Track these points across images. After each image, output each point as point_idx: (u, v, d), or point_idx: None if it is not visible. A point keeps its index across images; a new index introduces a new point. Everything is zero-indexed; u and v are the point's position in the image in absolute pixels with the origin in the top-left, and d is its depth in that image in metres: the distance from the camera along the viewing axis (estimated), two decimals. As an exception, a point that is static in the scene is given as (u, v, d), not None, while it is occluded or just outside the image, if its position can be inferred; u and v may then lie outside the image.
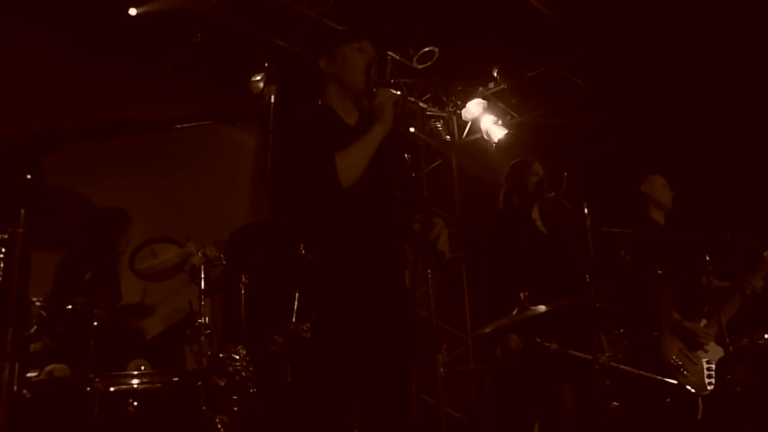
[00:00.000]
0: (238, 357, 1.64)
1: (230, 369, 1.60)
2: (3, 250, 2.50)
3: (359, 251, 2.04)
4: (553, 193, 3.28)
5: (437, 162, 6.44)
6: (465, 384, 5.81)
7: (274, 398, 1.72)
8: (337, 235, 2.02)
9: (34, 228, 1.11)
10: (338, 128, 2.22)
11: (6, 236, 2.51)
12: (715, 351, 3.61)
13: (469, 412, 5.53)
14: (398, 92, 2.29)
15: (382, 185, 2.15)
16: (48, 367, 2.33)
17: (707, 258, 3.32)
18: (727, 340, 3.30)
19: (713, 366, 3.61)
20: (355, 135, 2.21)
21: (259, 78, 4.84)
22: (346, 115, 2.30)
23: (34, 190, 1.06)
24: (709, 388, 3.56)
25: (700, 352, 3.62)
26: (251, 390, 1.86)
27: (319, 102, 2.36)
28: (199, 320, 3.13)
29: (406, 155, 2.34)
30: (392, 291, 2.10)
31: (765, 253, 3.71)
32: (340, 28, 5.02)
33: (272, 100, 1.92)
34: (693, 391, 3.52)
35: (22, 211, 1.05)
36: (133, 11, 4.25)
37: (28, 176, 1.06)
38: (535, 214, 3.65)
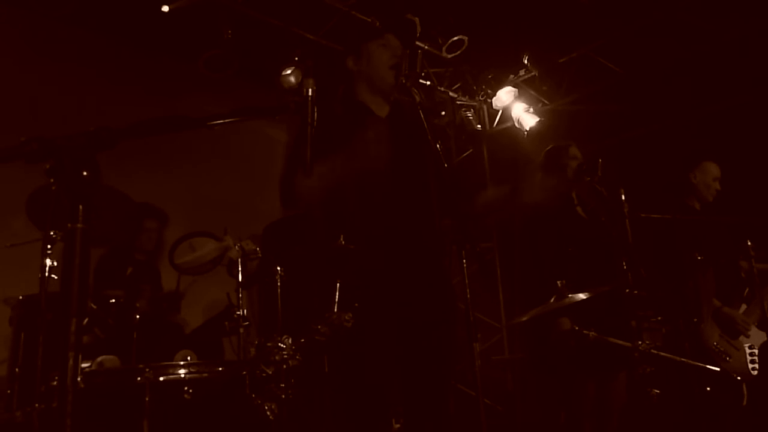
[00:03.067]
0: (284, 346, 1.67)
1: (277, 358, 1.64)
2: (49, 246, 2.58)
3: (395, 241, 2.06)
4: (589, 179, 3.23)
5: (469, 151, 6.41)
6: (500, 374, 5.80)
7: (314, 388, 1.75)
8: (373, 226, 2.04)
9: (91, 223, 1.15)
10: (370, 121, 2.25)
11: (54, 234, 2.57)
12: (758, 336, 3.55)
13: (504, 402, 5.52)
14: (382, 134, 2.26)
15: (417, 175, 2.17)
16: (99, 358, 2.41)
17: (749, 243, 3.26)
18: (769, 327, 3.24)
19: (756, 351, 3.54)
20: (387, 127, 2.23)
21: (289, 72, 4.87)
22: (377, 108, 2.33)
23: (91, 186, 1.10)
24: (753, 373, 3.50)
25: (742, 338, 3.56)
26: (292, 380, 1.90)
27: (354, 98, 2.38)
28: (238, 312, 3.19)
29: (438, 145, 2.34)
30: (431, 280, 2.11)
31: None
32: (369, 20, 5.03)
33: (310, 94, 1.95)
34: (737, 377, 3.46)
35: (81, 207, 1.09)
36: (165, 8, 4.32)
37: (85, 173, 1.10)
38: (575, 199, 3.60)
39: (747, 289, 3.63)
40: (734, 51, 4.96)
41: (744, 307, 3.62)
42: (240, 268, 3.37)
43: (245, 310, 3.27)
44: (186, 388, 1.82)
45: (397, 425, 2.10)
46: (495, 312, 6.10)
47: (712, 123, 5.23)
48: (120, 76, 4.83)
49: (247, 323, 3.21)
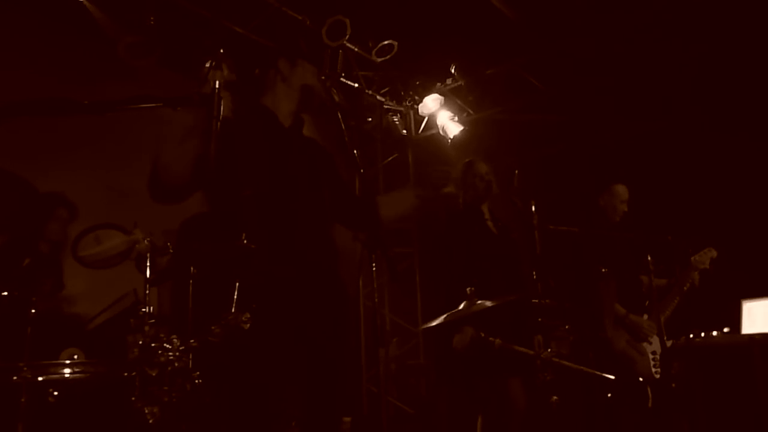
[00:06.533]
0: (170, 347, 1.61)
1: (162, 359, 1.57)
2: None
3: (288, 245, 2.04)
4: (503, 191, 3.33)
5: (393, 156, 6.45)
6: (414, 378, 5.86)
7: (203, 391, 1.69)
8: (268, 227, 2.01)
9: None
10: (271, 128, 2.23)
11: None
12: (658, 343, 3.73)
13: (417, 406, 5.57)
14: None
15: (314, 179, 2.18)
16: (-25, 356, 2.24)
17: (649, 258, 3.43)
18: (665, 337, 3.42)
19: (658, 356, 3.73)
20: (288, 136, 2.24)
21: (209, 64, 4.74)
22: (284, 117, 2.30)
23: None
24: (656, 377, 3.68)
25: (645, 344, 3.74)
26: (196, 381, 1.83)
27: (260, 99, 2.34)
28: (144, 309, 3.06)
29: (355, 151, 2.33)
30: (321, 284, 2.10)
31: (691, 258, 3.85)
32: (300, 18, 4.97)
33: (217, 87, 1.89)
34: (642, 379, 3.62)
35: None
36: (85, -11, 4.12)
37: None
38: (486, 213, 3.71)
39: (647, 302, 3.82)
40: (653, 76, 5.22)
41: (646, 316, 3.81)
42: (149, 264, 3.24)
43: (152, 307, 3.14)
44: (52, 390, 1.72)
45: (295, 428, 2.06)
46: (413, 317, 6.15)
47: (627, 144, 5.48)
48: (28, 57, 4.56)
49: (152, 321, 3.08)
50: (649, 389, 3.62)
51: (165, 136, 1.99)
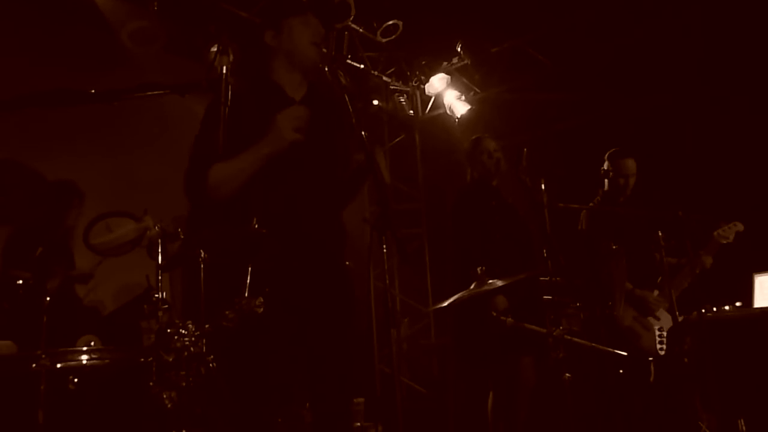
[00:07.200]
0: (186, 332, 1.62)
1: (178, 345, 1.59)
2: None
3: (297, 229, 2.05)
4: (511, 170, 3.31)
5: (400, 137, 6.42)
6: (426, 358, 5.89)
7: (218, 375, 1.71)
8: (278, 212, 2.02)
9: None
10: (281, 103, 2.19)
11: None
12: (667, 319, 3.72)
13: (430, 385, 5.61)
14: (303, 114, 2.20)
15: (324, 162, 2.16)
16: (-6, 344, 2.28)
17: (660, 234, 3.41)
18: (677, 313, 3.41)
19: (665, 333, 3.71)
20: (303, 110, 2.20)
21: (215, 49, 4.72)
22: (292, 90, 2.27)
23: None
24: (661, 353, 3.67)
25: (651, 319, 3.72)
26: (211, 365, 1.85)
27: (267, 76, 2.31)
28: (156, 295, 3.09)
29: (363, 133, 2.31)
30: (329, 270, 2.11)
31: (714, 233, 3.80)
32: (303, 1, 4.92)
33: (224, 72, 1.89)
34: (646, 355, 3.61)
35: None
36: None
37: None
38: (495, 190, 3.70)
39: (659, 278, 3.80)
40: (661, 48, 5.15)
41: (656, 292, 3.79)
42: (160, 250, 3.26)
43: (165, 293, 3.17)
44: (72, 378, 1.74)
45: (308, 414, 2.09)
46: (424, 297, 6.18)
47: (636, 118, 5.43)
48: (32, 47, 4.55)
49: (166, 306, 3.11)
50: (652, 365, 3.62)
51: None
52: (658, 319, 3.74)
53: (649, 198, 3.95)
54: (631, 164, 3.91)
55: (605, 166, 3.92)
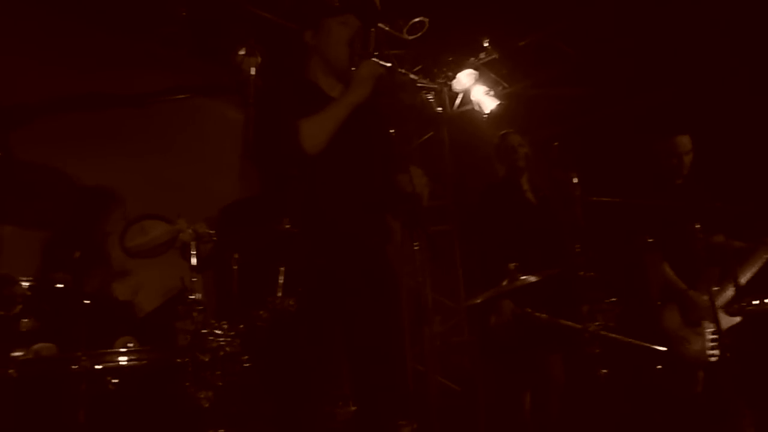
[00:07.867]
0: (221, 332, 1.64)
1: (213, 345, 1.61)
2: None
3: (337, 226, 2.04)
4: (543, 164, 3.27)
5: (429, 134, 6.39)
6: (459, 355, 5.86)
7: (253, 375, 1.73)
8: (315, 210, 2.02)
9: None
10: (320, 100, 2.20)
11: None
12: (726, 321, 3.40)
13: (463, 383, 5.58)
14: (386, 65, 2.26)
15: (364, 160, 2.15)
16: (35, 347, 2.33)
17: (697, 226, 3.30)
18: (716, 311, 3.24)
19: (718, 337, 3.36)
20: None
21: (243, 52, 4.76)
22: (329, 88, 2.29)
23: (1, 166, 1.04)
24: (711, 360, 3.42)
25: (705, 323, 3.46)
26: (245, 365, 1.87)
27: (304, 75, 2.34)
28: (191, 297, 3.13)
29: (391, 130, 2.32)
30: (372, 265, 2.10)
31: None
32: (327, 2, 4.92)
33: (252, 73, 1.90)
34: (690, 361, 3.40)
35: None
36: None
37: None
38: (525, 185, 3.66)
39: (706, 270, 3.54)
40: (689, 36, 5.03)
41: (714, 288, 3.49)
42: (193, 252, 3.30)
43: (199, 295, 3.21)
44: (110, 378, 1.78)
45: (353, 408, 2.09)
46: (455, 294, 6.14)
47: (668, 106, 5.31)
48: (64, 54, 4.63)
49: (201, 307, 3.15)
50: (700, 373, 3.41)
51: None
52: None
53: (694, 187, 3.65)
54: (686, 141, 3.59)
55: (652, 148, 3.64)
